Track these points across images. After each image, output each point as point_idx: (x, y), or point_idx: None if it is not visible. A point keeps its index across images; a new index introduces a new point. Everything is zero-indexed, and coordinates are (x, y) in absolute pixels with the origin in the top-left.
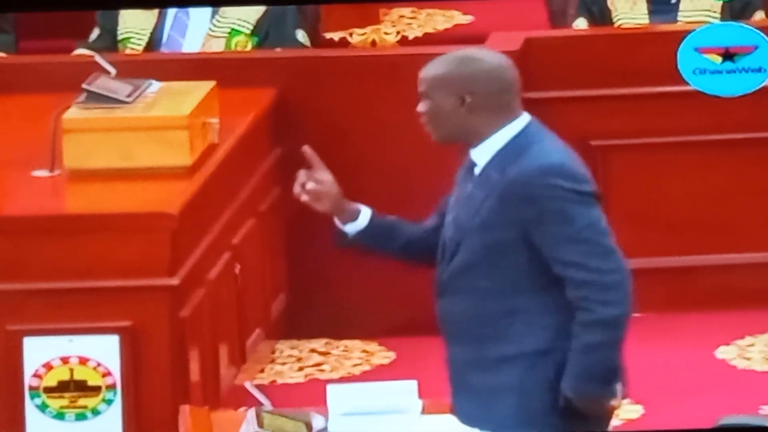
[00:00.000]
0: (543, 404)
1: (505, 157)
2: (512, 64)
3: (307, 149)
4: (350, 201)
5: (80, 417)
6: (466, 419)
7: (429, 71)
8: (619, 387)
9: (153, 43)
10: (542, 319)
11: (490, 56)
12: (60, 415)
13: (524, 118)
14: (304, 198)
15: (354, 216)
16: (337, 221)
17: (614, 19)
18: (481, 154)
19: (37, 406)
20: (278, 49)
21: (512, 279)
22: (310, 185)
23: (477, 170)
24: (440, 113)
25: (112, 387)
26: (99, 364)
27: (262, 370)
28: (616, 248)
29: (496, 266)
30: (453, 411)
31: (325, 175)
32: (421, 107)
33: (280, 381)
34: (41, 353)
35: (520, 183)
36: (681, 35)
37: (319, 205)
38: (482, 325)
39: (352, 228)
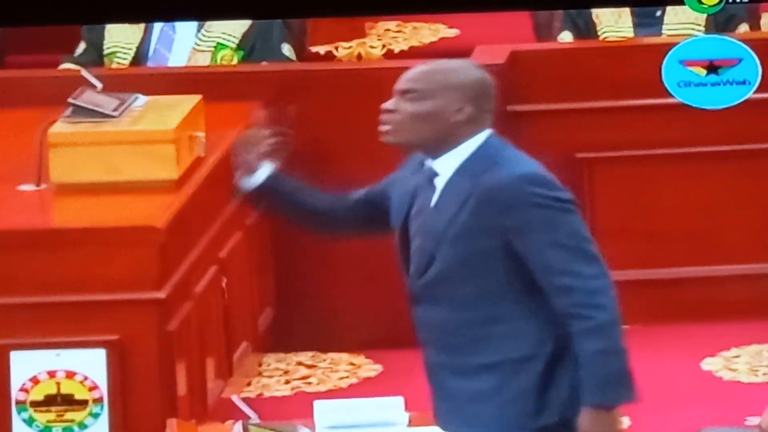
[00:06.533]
0: (521, 410)
1: (474, 167)
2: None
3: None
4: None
5: (67, 431)
6: (444, 424)
7: (435, 72)
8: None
9: (139, 57)
10: (524, 325)
11: (482, 69)
12: (47, 429)
13: (488, 130)
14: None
15: (253, 171)
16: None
17: (599, 32)
18: (445, 164)
19: (24, 420)
20: (264, 63)
21: (493, 287)
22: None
23: (440, 180)
24: (431, 117)
25: (99, 401)
26: (86, 378)
27: (248, 383)
28: (598, 254)
29: (475, 275)
30: (434, 415)
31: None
32: (410, 107)
33: (266, 394)
34: (28, 367)
35: (498, 191)
36: (666, 48)
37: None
38: (462, 332)
39: (248, 182)
